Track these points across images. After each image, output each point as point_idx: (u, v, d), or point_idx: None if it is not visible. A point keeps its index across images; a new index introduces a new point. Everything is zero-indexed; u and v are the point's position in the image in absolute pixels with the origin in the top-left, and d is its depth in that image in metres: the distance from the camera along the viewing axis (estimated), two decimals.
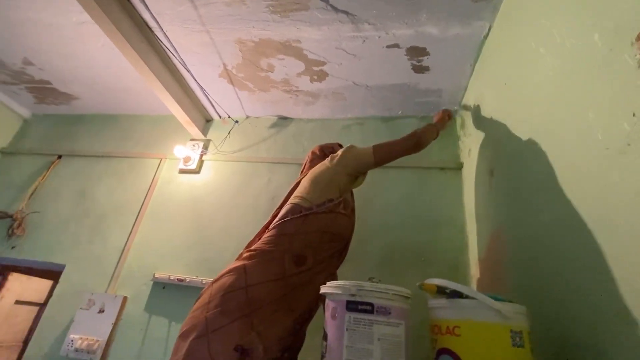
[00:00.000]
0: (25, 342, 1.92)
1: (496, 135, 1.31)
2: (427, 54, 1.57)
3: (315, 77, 1.79)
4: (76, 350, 1.55)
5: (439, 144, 1.84)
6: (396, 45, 1.54)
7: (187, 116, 1.94)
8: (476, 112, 1.57)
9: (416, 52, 1.57)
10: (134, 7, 1.47)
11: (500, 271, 1.18)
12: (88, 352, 1.53)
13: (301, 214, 1.09)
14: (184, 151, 2.00)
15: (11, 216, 1.96)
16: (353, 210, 1.32)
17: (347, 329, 0.68)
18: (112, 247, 1.83)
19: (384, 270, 1.56)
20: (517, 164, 1.10)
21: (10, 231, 1.92)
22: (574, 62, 0.81)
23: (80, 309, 1.64)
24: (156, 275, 1.67)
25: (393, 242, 1.61)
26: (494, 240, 1.26)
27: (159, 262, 1.75)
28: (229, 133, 2.10)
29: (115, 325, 1.60)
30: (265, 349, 0.82)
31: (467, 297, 0.72)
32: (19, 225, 1.94)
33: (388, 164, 1.75)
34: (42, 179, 2.13)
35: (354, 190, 1.43)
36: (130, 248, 1.81)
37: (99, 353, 1.53)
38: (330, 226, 1.12)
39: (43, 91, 2.23)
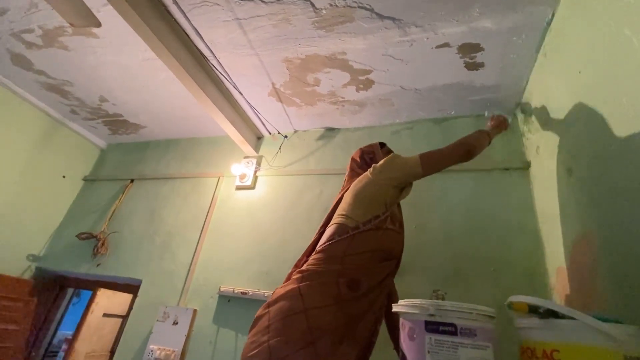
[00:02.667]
0: (112, 351, 2.12)
1: (572, 130, 1.18)
2: (481, 49, 1.48)
3: (362, 86, 1.78)
4: (156, 359, 1.67)
5: (500, 142, 1.73)
6: (446, 45, 1.47)
7: (240, 135, 2.04)
8: (543, 106, 1.44)
9: (469, 49, 1.48)
10: (190, 39, 1.59)
11: (589, 281, 1.05)
12: None
13: (348, 235, 1.05)
14: (240, 169, 2.09)
15: (95, 237, 2.20)
16: (402, 224, 1.23)
17: (428, 352, 0.65)
18: (180, 262, 1.97)
19: (449, 283, 1.47)
20: (604, 160, 0.97)
21: (95, 250, 2.16)
22: None
23: (157, 321, 1.77)
24: (221, 289, 1.75)
25: (457, 252, 1.52)
26: (580, 246, 1.12)
27: (223, 276, 1.83)
28: (280, 148, 2.16)
29: (187, 336, 1.70)
30: None
31: (564, 316, 0.64)
32: (102, 244, 2.17)
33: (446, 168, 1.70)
34: (119, 201, 2.37)
35: (403, 200, 1.35)
36: (197, 263, 1.92)
37: None
38: (380, 244, 1.06)
39: (116, 123, 2.50)
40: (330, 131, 2.16)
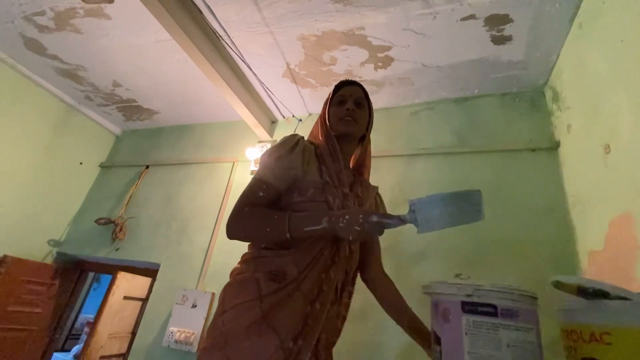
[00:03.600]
0: (133, 333, 2.17)
1: (611, 104, 1.10)
2: (510, 21, 1.39)
3: (380, 64, 1.71)
4: (175, 341, 1.69)
5: (527, 122, 1.65)
6: (472, 17, 1.39)
7: (254, 118, 2.00)
8: (576, 81, 1.35)
9: (496, 21, 1.39)
10: (203, 17, 1.54)
11: (629, 265, 0.99)
12: (186, 344, 1.67)
13: None
14: (255, 153, 2.06)
15: (113, 222, 2.22)
16: (323, 188, 0.92)
17: (466, 333, 0.61)
18: (198, 246, 1.97)
19: (473, 267, 1.43)
20: None
21: (114, 235, 2.18)
22: None
23: (176, 304, 1.79)
24: None
25: (482, 235, 1.46)
26: (617, 227, 1.06)
27: None
28: (294, 132, 2.12)
29: (206, 319, 1.71)
30: None
31: (614, 297, 0.60)
32: (120, 229, 2.19)
33: (471, 149, 1.65)
34: (135, 187, 2.38)
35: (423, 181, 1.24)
36: (214, 247, 1.92)
37: (195, 345, 1.66)
38: None
39: (130, 109, 2.49)
40: None
